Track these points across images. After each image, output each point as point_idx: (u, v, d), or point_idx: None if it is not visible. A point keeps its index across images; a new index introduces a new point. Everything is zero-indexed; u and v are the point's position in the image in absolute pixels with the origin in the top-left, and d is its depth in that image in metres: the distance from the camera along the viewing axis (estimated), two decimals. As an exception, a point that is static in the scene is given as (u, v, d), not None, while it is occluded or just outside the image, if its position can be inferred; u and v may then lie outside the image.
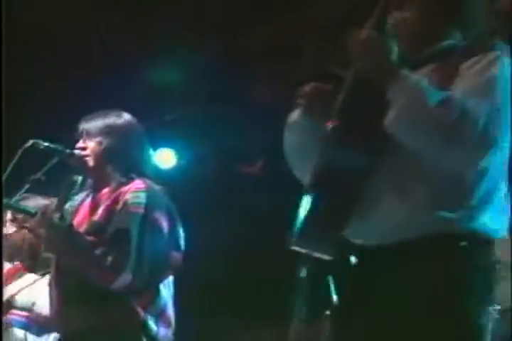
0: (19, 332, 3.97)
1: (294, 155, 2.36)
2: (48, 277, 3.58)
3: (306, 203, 2.21)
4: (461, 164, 2.07)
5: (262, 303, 5.71)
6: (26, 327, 3.93)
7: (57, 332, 3.76)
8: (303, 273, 2.33)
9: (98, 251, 3.01)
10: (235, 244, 5.96)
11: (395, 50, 2.13)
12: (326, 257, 2.20)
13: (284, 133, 2.39)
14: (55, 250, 3.19)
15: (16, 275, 4.05)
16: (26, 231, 3.71)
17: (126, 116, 3.27)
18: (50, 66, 6.32)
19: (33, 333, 3.97)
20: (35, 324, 3.95)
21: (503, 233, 2.11)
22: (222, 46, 6.03)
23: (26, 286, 3.98)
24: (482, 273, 2.09)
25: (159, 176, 3.35)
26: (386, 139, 2.08)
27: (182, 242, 3.19)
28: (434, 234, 2.05)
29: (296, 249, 2.23)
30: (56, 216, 2.99)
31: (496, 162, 2.11)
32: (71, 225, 3.06)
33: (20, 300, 3.94)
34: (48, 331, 3.95)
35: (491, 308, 3.88)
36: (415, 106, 2.01)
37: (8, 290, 3.97)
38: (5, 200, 3.17)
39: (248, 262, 5.76)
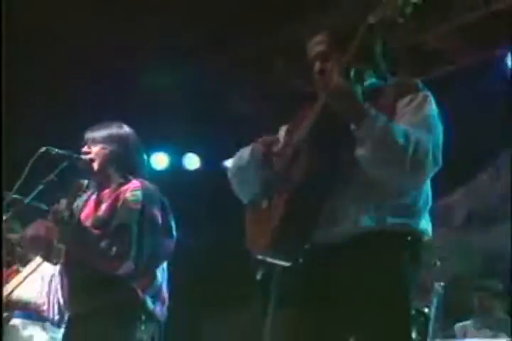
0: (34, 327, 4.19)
1: (242, 191, 2.57)
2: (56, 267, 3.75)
3: (266, 218, 2.37)
4: (411, 183, 2.32)
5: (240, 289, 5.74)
6: (30, 317, 4.18)
7: (62, 315, 3.97)
8: (259, 275, 2.52)
9: (103, 243, 3.12)
10: (219, 236, 6.08)
11: (360, 93, 2.28)
12: (286, 264, 2.36)
13: (232, 174, 2.59)
14: (66, 243, 3.31)
15: (9, 277, 4.23)
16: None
17: (125, 127, 3.41)
18: (47, 74, 6.19)
19: (36, 321, 4.19)
20: (37, 313, 4.17)
21: (430, 233, 2.37)
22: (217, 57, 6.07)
23: (18, 285, 4.17)
24: (419, 259, 2.36)
25: (153, 176, 3.47)
26: (349, 163, 2.27)
27: (174, 232, 3.32)
28: (388, 233, 2.29)
29: (261, 258, 2.37)
30: (66, 214, 3.10)
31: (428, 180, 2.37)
32: (79, 221, 3.18)
33: (18, 296, 4.17)
34: (49, 317, 4.18)
35: (436, 285, 4.23)
36: (386, 144, 2.18)
37: (6, 291, 4.12)
38: (22, 198, 3.24)
39: (228, 252, 5.81)
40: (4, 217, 3.34)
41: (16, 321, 4.17)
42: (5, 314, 4.10)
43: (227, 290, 6.03)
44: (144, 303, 3.18)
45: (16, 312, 4.16)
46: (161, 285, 3.29)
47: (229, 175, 2.61)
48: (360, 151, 2.20)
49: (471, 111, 4.94)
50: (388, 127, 2.19)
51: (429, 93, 2.36)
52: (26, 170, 3.19)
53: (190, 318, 5.73)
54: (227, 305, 6.06)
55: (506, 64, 6.05)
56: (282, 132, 2.61)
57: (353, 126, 2.24)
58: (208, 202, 6.50)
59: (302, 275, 2.37)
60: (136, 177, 3.31)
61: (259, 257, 2.37)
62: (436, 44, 6.03)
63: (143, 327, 3.20)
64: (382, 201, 2.32)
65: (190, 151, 6.94)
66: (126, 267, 3.11)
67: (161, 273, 3.31)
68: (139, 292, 3.17)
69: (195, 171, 6.94)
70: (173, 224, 3.32)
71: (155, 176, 3.51)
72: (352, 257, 2.29)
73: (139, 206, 3.18)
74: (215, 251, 6.07)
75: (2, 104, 4.91)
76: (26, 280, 4.20)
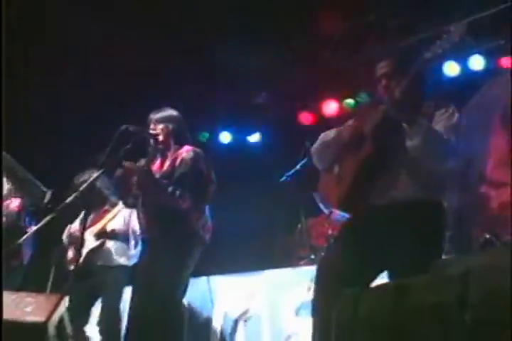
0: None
1: (321, 159, 3.05)
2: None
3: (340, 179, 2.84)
4: (440, 166, 2.76)
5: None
6: (118, 239, 4.79)
7: (137, 240, 4.60)
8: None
9: (170, 189, 3.64)
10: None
11: (411, 105, 2.73)
12: (346, 214, 2.89)
13: (320, 142, 3.04)
14: (144, 188, 3.76)
15: (103, 214, 4.89)
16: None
17: (176, 111, 3.97)
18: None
19: (122, 242, 4.80)
20: (123, 236, 4.82)
21: None
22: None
23: (111, 219, 4.83)
24: (444, 217, 2.87)
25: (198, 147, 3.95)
26: (402, 152, 2.75)
27: (214, 179, 3.84)
28: (425, 199, 2.79)
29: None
30: (145, 168, 3.71)
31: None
32: (153, 174, 3.71)
33: (110, 227, 4.80)
34: (130, 240, 4.81)
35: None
36: (431, 139, 2.68)
37: (102, 224, 4.79)
38: (110, 159, 3.64)
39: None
40: (96, 174, 3.83)
41: (109, 243, 4.77)
42: (100, 240, 4.74)
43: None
44: (197, 231, 3.69)
45: (110, 236, 4.78)
46: (208, 218, 3.80)
47: (314, 148, 3.08)
48: (410, 143, 2.73)
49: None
50: (430, 128, 2.72)
51: (454, 107, 2.85)
52: (113, 140, 3.63)
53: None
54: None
55: (442, 70, 6.47)
56: (348, 126, 3.04)
57: (405, 125, 2.75)
58: (235, 165, 6.92)
59: (365, 223, 2.88)
60: (187, 144, 3.88)
61: (332, 208, 3.01)
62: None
63: (196, 249, 3.72)
64: (420, 178, 2.78)
65: (224, 130, 7.86)
66: (186, 204, 3.64)
67: (208, 209, 3.82)
68: (194, 222, 3.68)
69: (228, 144, 7.86)
70: (213, 174, 3.84)
71: (200, 147, 4.00)
72: (398, 214, 2.76)
73: (192, 162, 3.74)
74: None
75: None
76: (115, 216, 4.82)
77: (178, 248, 3.66)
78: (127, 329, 3.77)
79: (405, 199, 2.78)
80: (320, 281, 2.84)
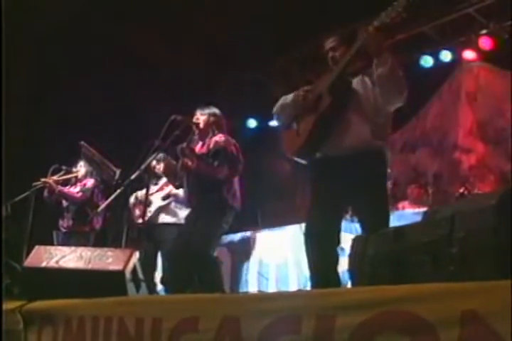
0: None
1: (280, 119, 3.00)
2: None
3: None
4: (393, 100, 2.67)
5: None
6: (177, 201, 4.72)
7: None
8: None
9: (209, 161, 3.69)
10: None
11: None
12: (304, 162, 2.82)
13: (280, 104, 2.93)
14: (187, 166, 3.73)
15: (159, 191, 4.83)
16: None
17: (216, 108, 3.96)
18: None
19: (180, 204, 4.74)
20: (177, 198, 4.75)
21: None
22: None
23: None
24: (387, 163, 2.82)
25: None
26: (353, 103, 2.69)
27: (241, 159, 3.80)
28: (370, 149, 2.71)
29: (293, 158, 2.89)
30: (187, 151, 3.72)
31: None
32: (195, 153, 3.69)
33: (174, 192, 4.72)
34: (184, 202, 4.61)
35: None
36: (395, 69, 2.60)
37: (168, 189, 4.76)
38: (162, 144, 3.60)
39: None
40: (150, 159, 3.70)
41: (171, 204, 4.78)
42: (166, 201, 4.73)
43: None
44: (227, 199, 3.68)
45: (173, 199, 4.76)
46: (236, 189, 3.77)
47: (275, 109, 2.97)
48: (378, 72, 2.63)
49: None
50: (394, 61, 2.61)
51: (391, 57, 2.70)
52: (164, 129, 3.59)
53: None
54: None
55: (421, 64, 6.34)
56: (303, 90, 2.89)
57: (354, 83, 2.72)
58: (258, 143, 6.86)
59: (323, 168, 2.82)
60: (220, 133, 3.85)
61: (291, 157, 2.92)
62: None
63: (227, 213, 3.70)
64: (368, 122, 2.69)
65: (250, 117, 7.78)
66: (222, 172, 3.66)
67: (237, 183, 3.79)
68: (225, 193, 3.69)
69: (253, 128, 7.78)
70: (240, 155, 3.82)
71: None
72: (350, 161, 2.69)
73: (224, 144, 3.75)
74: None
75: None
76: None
77: (211, 213, 3.65)
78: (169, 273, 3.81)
79: (354, 149, 2.68)
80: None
